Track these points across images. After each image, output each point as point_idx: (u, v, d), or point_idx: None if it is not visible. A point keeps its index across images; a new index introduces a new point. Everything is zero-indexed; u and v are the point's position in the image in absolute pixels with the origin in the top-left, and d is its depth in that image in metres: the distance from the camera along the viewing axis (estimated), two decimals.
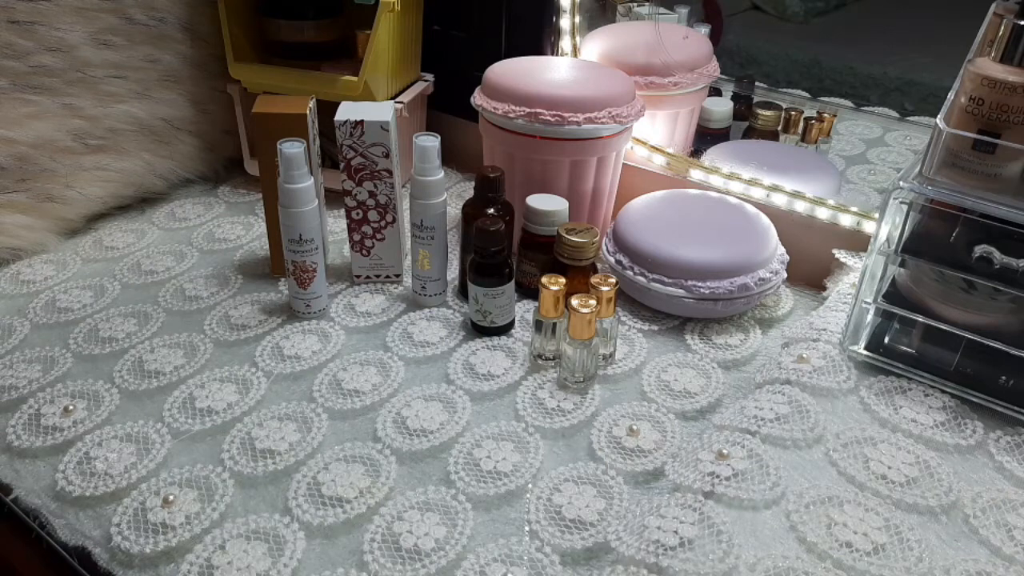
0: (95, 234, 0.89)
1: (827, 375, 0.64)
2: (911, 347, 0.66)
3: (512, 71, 0.81)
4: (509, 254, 0.71)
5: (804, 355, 0.66)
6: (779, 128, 0.88)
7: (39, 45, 0.79)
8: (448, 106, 1.03)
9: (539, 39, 0.94)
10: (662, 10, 0.91)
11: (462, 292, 0.78)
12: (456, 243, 0.84)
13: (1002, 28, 0.56)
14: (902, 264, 0.65)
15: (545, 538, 0.53)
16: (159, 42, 0.89)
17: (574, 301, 0.63)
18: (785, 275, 0.76)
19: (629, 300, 0.78)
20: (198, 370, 0.68)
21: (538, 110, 0.75)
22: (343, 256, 0.85)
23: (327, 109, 0.77)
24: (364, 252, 0.79)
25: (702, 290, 0.72)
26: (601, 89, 0.77)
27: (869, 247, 0.63)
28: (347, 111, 0.73)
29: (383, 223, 0.77)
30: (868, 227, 0.77)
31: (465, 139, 0.97)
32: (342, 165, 0.74)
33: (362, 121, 0.72)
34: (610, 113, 0.76)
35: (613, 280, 0.65)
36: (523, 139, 0.78)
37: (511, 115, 0.76)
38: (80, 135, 0.84)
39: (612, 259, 0.77)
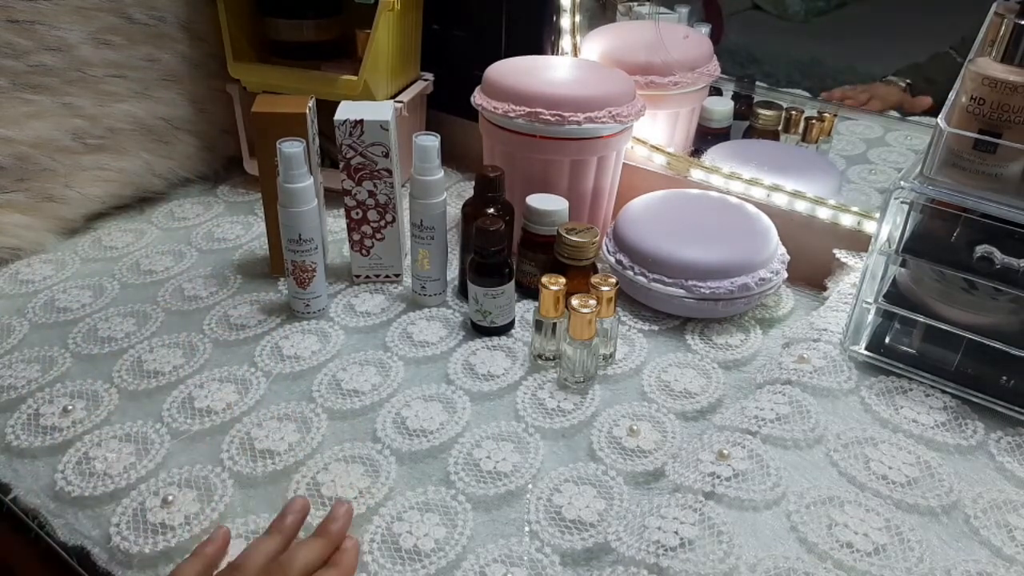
0: (94, 234, 0.89)
1: (828, 375, 0.64)
2: (912, 347, 0.66)
3: (512, 70, 0.80)
4: (509, 254, 0.71)
5: (805, 355, 0.65)
6: (780, 128, 0.88)
7: (39, 44, 0.79)
8: (448, 106, 1.03)
9: (539, 38, 0.94)
10: (662, 9, 0.91)
11: (462, 292, 0.78)
12: (456, 243, 0.84)
13: (1003, 28, 0.55)
14: (903, 264, 0.65)
15: (545, 538, 0.53)
16: (158, 41, 0.88)
17: (574, 301, 0.63)
18: (786, 275, 0.76)
19: (629, 300, 0.77)
20: (197, 370, 0.68)
21: (538, 110, 0.75)
22: (343, 256, 0.85)
23: (327, 109, 0.77)
24: (364, 252, 0.79)
25: (703, 290, 0.72)
26: (601, 88, 0.77)
27: (870, 247, 0.63)
28: (347, 110, 0.73)
29: (383, 223, 0.77)
30: (869, 227, 0.77)
31: (465, 139, 0.97)
32: (342, 165, 0.74)
33: (362, 120, 0.72)
34: (610, 112, 0.76)
35: (613, 280, 0.65)
36: (523, 139, 0.77)
37: (511, 114, 0.76)
38: (79, 134, 0.84)
39: (612, 259, 0.77)
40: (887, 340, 0.67)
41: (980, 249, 0.58)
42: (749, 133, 0.90)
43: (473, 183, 0.75)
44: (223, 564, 0.50)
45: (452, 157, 0.91)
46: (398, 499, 0.56)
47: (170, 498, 0.54)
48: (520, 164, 0.79)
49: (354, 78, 0.88)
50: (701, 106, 0.91)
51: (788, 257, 0.77)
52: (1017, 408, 0.61)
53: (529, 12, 0.94)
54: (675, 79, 0.87)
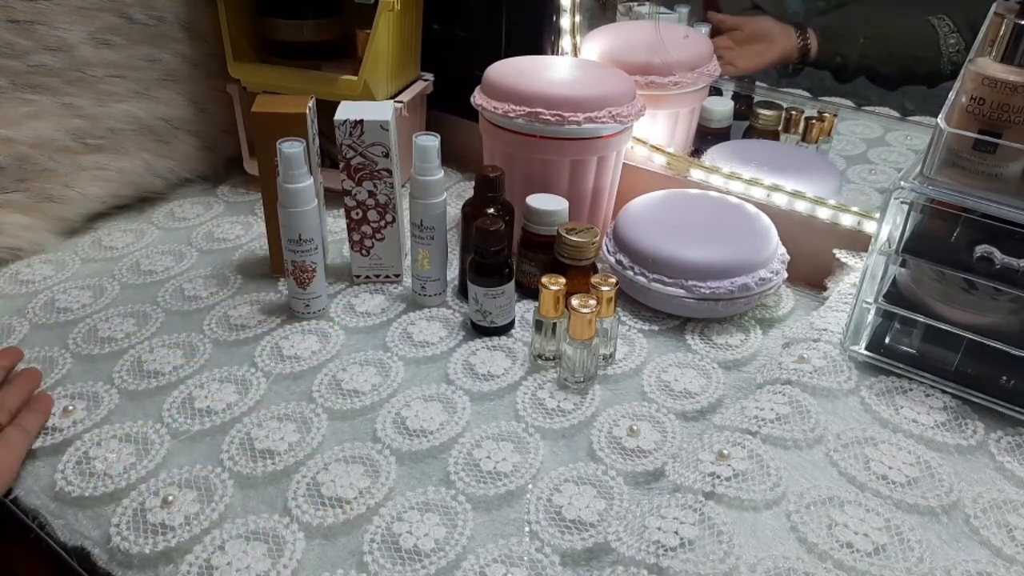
0: (94, 234, 0.88)
1: (828, 375, 0.64)
2: (912, 347, 0.66)
3: (512, 71, 0.80)
4: (509, 254, 0.71)
5: (805, 355, 0.65)
6: (780, 128, 0.88)
7: (38, 44, 0.79)
8: (448, 106, 1.02)
9: (539, 38, 0.94)
10: (662, 9, 0.91)
11: (462, 292, 0.78)
12: (456, 243, 0.84)
13: (1003, 28, 0.55)
14: (903, 264, 0.65)
15: (545, 539, 0.53)
16: (158, 41, 0.88)
17: (574, 301, 0.63)
18: (786, 275, 0.76)
19: (629, 300, 0.77)
20: (197, 370, 0.68)
21: (538, 110, 0.75)
22: (343, 256, 0.85)
23: (327, 109, 0.77)
24: (364, 252, 0.79)
25: (702, 290, 0.72)
26: (601, 88, 0.77)
27: (870, 247, 0.63)
28: (347, 110, 0.73)
29: (383, 223, 0.77)
30: (869, 227, 0.77)
31: (465, 139, 0.97)
32: (342, 165, 0.74)
33: (362, 120, 0.72)
34: (610, 112, 0.76)
35: (613, 280, 0.65)
36: (523, 139, 0.77)
37: (511, 114, 0.76)
38: (79, 135, 0.84)
39: (612, 259, 0.77)
40: (887, 340, 0.67)
41: (980, 249, 0.58)
42: (749, 133, 0.90)
43: (473, 183, 0.75)
44: None
45: (452, 157, 0.91)
46: (398, 499, 0.56)
47: (170, 498, 0.54)
48: (520, 164, 0.79)
49: (354, 78, 0.88)
50: (701, 106, 0.91)
51: (788, 257, 0.77)
52: (1017, 408, 0.61)
53: (529, 12, 0.94)
54: (675, 79, 0.87)
